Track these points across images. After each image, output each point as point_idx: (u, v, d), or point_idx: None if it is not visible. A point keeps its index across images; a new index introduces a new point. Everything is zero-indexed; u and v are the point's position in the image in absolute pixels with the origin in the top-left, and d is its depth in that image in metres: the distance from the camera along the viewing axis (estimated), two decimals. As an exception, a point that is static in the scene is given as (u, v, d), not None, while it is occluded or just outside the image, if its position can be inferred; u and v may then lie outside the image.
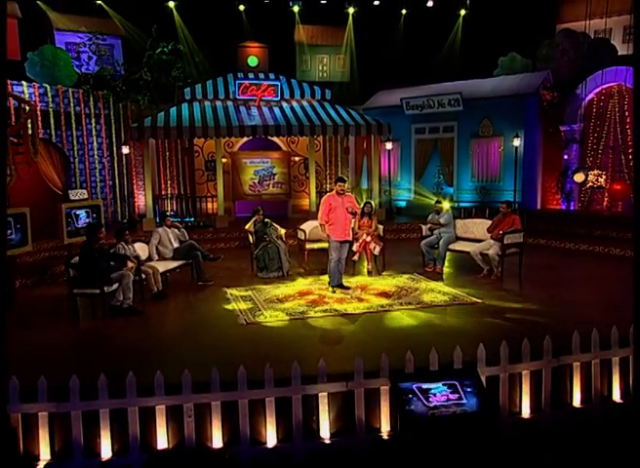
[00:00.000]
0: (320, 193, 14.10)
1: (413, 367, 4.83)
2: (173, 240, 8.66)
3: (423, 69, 16.35)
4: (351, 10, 17.25)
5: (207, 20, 15.63)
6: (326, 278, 8.41)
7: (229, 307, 7.28)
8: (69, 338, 6.21)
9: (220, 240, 12.58)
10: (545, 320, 6.39)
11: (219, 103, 14.33)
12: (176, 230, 8.86)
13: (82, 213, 8.50)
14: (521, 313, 6.75)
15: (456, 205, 15.25)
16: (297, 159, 15.81)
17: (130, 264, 6.97)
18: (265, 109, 14.33)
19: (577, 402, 5.13)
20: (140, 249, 8.17)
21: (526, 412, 5.01)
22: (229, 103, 14.39)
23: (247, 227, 9.48)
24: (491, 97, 14.99)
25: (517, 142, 14.53)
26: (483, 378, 4.85)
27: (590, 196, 15.19)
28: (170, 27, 15.87)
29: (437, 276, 8.96)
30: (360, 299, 7.51)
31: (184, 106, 13.92)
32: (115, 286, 6.79)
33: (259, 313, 6.91)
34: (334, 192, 8.10)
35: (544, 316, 6.54)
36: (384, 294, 7.73)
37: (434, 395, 4.59)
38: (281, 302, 7.43)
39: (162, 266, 8.02)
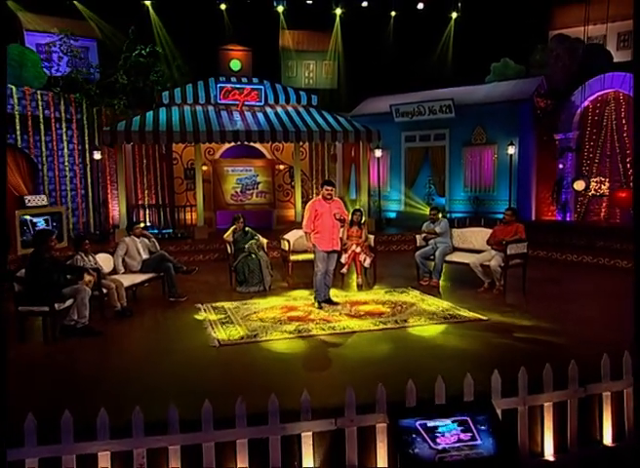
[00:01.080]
0: (306, 204, 13.32)
1: (415, 399, 4.01)
2: (142, 251, 7.81)
3: (414, 76, 15.74)
4: (338, 11, 16.63)
5: (187, 22, 14.91)
6: (311, 293, 7.60)
7: (201, 325, 6.42)
8: (9, 365, 5.29)
9: (198, 252, 11.72)
10: (562, 340, 5.62)
11: (199, 108, 13.56)
12: (145, 240, 8.00)
13: (40, 221, 7.64)
14: (533, 332, 5.97)
15: (448, 216, 14.54)
16: (281, 167, 15.05)
17: (87, 278, 6.09)
18: (248, 114, 13.58)
19: (607, 439, 4.34)
20: (105, 260, 7.31)
21: (549, 453, 4.20)
22: (210, 108, 13.62)
23: (225, 237, 8.65)
24: (484, 104, 14.40)
25: (512, 150, 13.92)
26: (498, 412, 4.05)
27: (587, 207, 14.62)
28: (148, 29, 15.13)
29: (434, 290, 8.18)
30: (350, 316, 6.70)
31: (162, 111, 13.12)
32: (69, 302, 5.91)
33: (234, 332, 6.06)
34: (320, 197, 7.33)
35: (560, 335, 5.78)
36: (377, 311, 6.92)
37: (442, 435, 3.78)
38: (261, 320, 6.59)
39: (128, 280, 7.15)
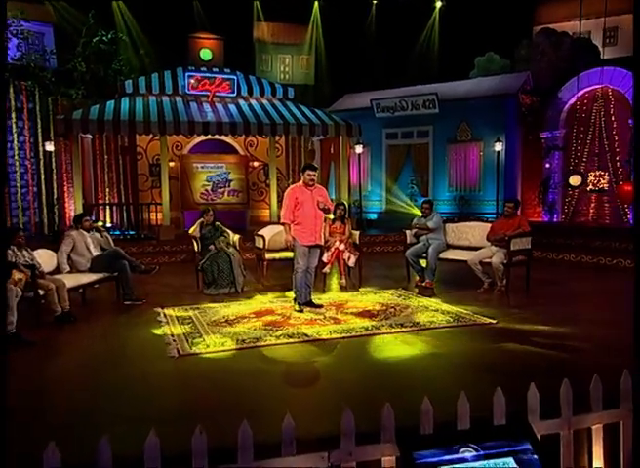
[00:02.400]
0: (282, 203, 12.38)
1: (432, 424, 3.04)
2: (92, 247, 6.70)
3: (396, 71, 14.98)
4: (316, 2, 15.77)
5: (154, 8, 13.85)
6: (290, 295, 6.61)
7: (159, 333, 5.36)
8: None
9: (162, 253, 10.61)
10: (588, 346, 4.75)
11: (165, 99, 12.49)
12: (97, 234, 6.91)
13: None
14: (550, 337, 5.09)
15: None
16: (255, 164, 14.03)
17: (17, 275, 4.98)
18: (220, 106, 12.57)
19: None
20: (46, 257, 6.18)
21: (600, 489, 3.28)
22: (178, 99, 12.56)
23: (191, 232, 7.61)
24: (469, 99, 13.69)
25: (499, 147, 13.23)
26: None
27: (575, 207, 14.03)
28: (111, 14, 14.03)
29: (428, 291, 7.27)
30: (336, 320, 5.72)
31: (124, 100, 12.01)
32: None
33: (198, 340, 5.02)
34: (301, 183, 6.36)
35: (584, 341, 4.91)
36: (367, 314, 5.96)
37: (473, 473, 2.82)
38: (230, 325, 5.57)
39: (72, 280, 6.04)
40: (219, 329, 5.43)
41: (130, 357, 4.66)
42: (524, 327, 5.41)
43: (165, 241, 11.25)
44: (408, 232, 8.12)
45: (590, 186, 11.84)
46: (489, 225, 7.60)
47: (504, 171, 13.62)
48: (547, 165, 14.82)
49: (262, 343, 4.91)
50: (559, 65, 14.47)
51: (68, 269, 6.36)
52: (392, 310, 6.11)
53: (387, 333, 5.21)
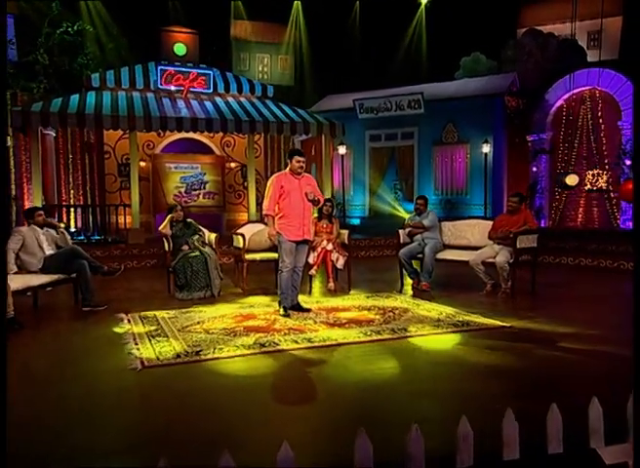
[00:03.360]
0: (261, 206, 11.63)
1: (472, 453, 2.32)
2: (45, 245, 5.84)
3: (380, 72, 14.43)
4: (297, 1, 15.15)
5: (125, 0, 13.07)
6: (274, 299, 5.85)
7: (121, 341, 4.52)
8: None
9: (131, 257, 9.72)
10: (623, 351, 4.09)
11: (136, 94, 11.67)
12: (52, 231, 6.04)
13: None
14: (577, 341, 4.43)
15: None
16: (233, 165, 13.26)
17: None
18: (195, 102, 11.80)
19: None
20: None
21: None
22: (149, 95, 11.75)
23: (161, 228, 6.78)
24: (455, 99, 13.20)
25: (486, 149, 12.74)
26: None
27: (563, 212, 13.63)
28: (77, 5, 13.17)
29: (425, 294, 6.58)
30: (329, 325, 4.97)
31: (90, 94, 11.15)
32: None
33: (167, 349, 4.21)
34: (287, 171, 5.63)
35: (615, 344, 4.26)
36: (364, 319, 5.23)
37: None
38: (206, 331, 4.77)
39: (19, 282, 5.16)
40: (192, 335, 4.62)
41: (82, 371, 3.82)
42: (545, 330, 4.75)
43: (134, 245, 10.36)
44: (401, 231, 7.44)
45: (588, 186, 11.38)
46: (490, 223, 6.97)
47: (492, 174, 13.13)
48: (534, 168, 14.41)
49: (245, 352, 4.13)
50: (545, 66, 14.15)
51: (15, 269, 5.48)
52: (391, 314, 5.39)
53: (390, 339, 4.48)
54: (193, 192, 12.41)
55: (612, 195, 12.79)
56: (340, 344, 4.34)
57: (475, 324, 4.95)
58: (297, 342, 4.38)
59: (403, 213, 13.44)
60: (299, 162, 5.52)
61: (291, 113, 12.06)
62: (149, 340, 4.49)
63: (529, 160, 14.27)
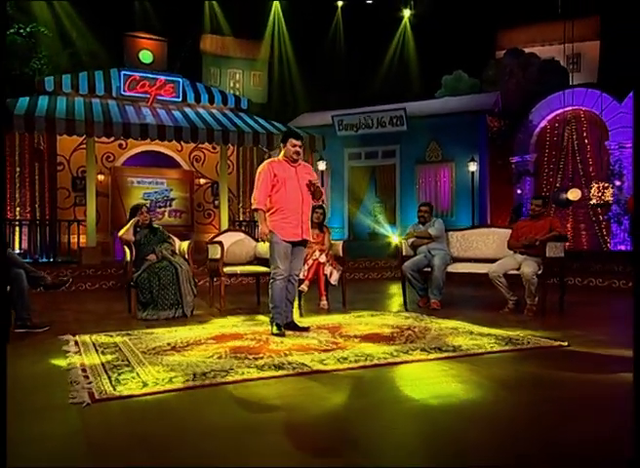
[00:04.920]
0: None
1: None
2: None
3: (361, 90, 13.75)
4: (273, 16, 14.39)
5: (87, 3, 12.06)
6: (261, 318, 4.76)
7: (64, 367, 3.31)
8: None
9: (84, 278, 8.41)
10: None
11: (95, 100, 10.54)
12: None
13: None
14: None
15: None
16: (202, 182, 12.14)
17: None
18: (162, 112, 10.74)
19: None
20: None
21: None
22: (111, 102, 10.64)
23: (122, 234, 5.60)
24: (439, 115, 12.59)
25: (473, 167, 12.09)
26: None
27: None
28: (33, 5, 12.08)
29: (436, 313, 5.55)
30: (340, 346, 3.88)
31: (43, 98, 9.98)
32: None
33: (127, 375, 3.04)
34: (281, 157, 4.62)
35: None
36: (380, 338, 4.15)
37: None
38: (179, 352, 3.61)
39: None
40: (161, 358, 3.46)
41: (8, 405, 2.60)
42: (608, 352, 3.77)
43: (89, 265, 9.04)
44: (404, 242, 6.47)
45: (594, 200, 10.73)
46: (506, 231, 6.08)
47: (480, 193, 12.47)
48: (519, 191, 13.87)
49: (236, 377, 2.99)
50: (527, 87, 13.79)
51: None
52: (410, 333, 4.34)
53: (424, 360, 3.43)
54: (158, 210, 11.22)
55: (601, 218, 12.29)
56: (360, 367, 3.25)
57: (519, 343, 3.94)
58: (305, 365, 3.27)
59: (388, 234, 12.57)
60: (294, 146, 4.53)
61: (267, 125, 11.14)
62: (102, 364, 3.30)
63: (512, 182, 13.75)
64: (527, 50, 14.65)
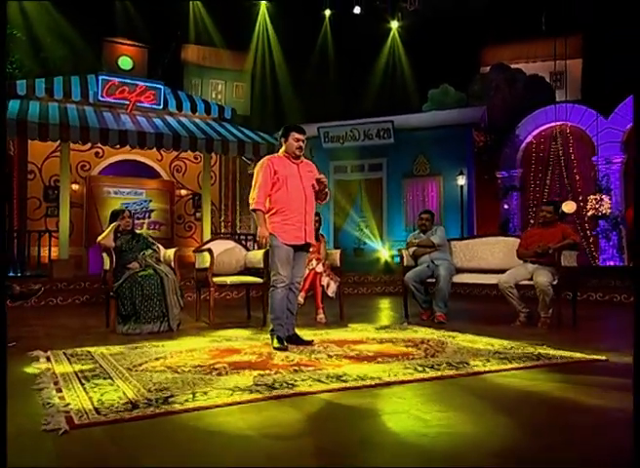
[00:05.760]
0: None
1: None
2: None
3: (347, 103, 13.49)
4: (259, 26, 14.05)
5: (66, 7, 11.58)
6: (255, 334, 4.28)
7: (35, 391, 2.78)
8: None
9: (55, 293, 7.79)
10: None
11: (71, 106, 10.01)
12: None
13: None
14: None
15: (392, 258, 11.94)
16: (183, 193, 11.63)
17: None
18: (142, 119, 10.26)
19: None
20: None
21: None
22: (88, 108, 10.11)
23: (101, 239, 5.08)
24: (426, 129, 12.37)
25: (462, 181, 11.87)
26: None
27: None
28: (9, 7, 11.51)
29: (446, 327, 5.14)
30: (353, 359, 3.42)
31: (14, 102, 9.40)
32: None
33: (112, 395, 2.53)
34: (281, 153, 4.21)
35: None
36: (397, 352, 3.71)
37: None
38: (173, 370, 3.11)
39: None
40: (151, 375, 2.96)
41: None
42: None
43: (60, 279, 8.41)
44: (405, 252, 6.08)
45: (591, 212, 10.53)
46: (514, 240, 5.75)
47: (468, 207, 12.24)
48: (506, 206, 13.72)
49: (247, 397, 2.52)
50: (513, 102, 13.74)
51: None
52: (427, 347, 3.91)
53: (458, 376, 2.99)
54: (136, 222, 10.61)
55: (589, 234, 12.16)
56: (383, 384, 2.81)
57: (558, 357, 3.55)
58: (322, 381, 2.81)
59: (377, 249, 12.22)
60: (298, 141, 4.12)
61: (252, 135, 10.74)
62: (81, 382, 2.78)
63: (499, 197, 13.60)
64: (512, 66, 14.65)
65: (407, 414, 2.33)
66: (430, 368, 3.16)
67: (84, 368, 3.21)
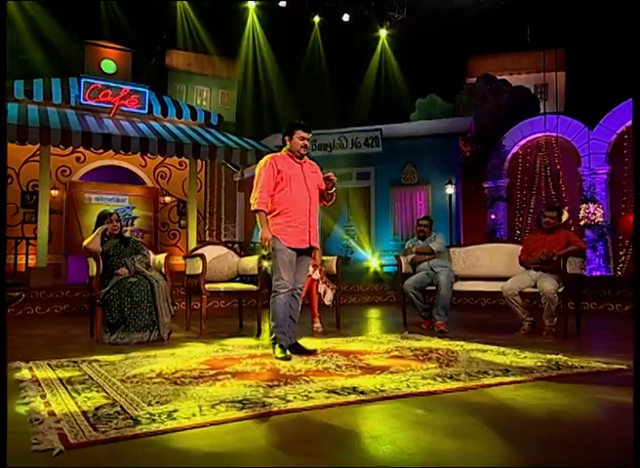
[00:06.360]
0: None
1: None
2: None
3: (335, 112, 13.36)
4: (248, 33, 13.83)
5: (47, 9, 11.26)
6: (252, 341, 4.04)
7: (21, 406, 2.49)
8: None
9: (33, 302, 7.40)
10: None
11: (52, 109, 9.66)
12: None
13: None
14: None
15: (381, 267, 11.79)
16: (168, 200, 11.29)
17: None
18: (126, 123, 9.95)
19: None
20: None
21: None
22: (69, 111, 9.78)
23: (87, 243, 4.80)
24: (415, 137, 12.29)
25: (451, 190, 11.80)
26: None
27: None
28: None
29: (448, 336, 4.94)
30: (365, 371, 3.20)
31: (-7, 103, 9.02)
32: None
33: (107, 409, 2.27)
34: (284, 152, 4.00)
35: None
36: (407, 361, 3.51)
37: None
38: (170, 380, 2.85)
39: None
40: (148, 388, 2.69)
41: None
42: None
43: (38, 288, 8.02)
44: (403, 259, 5.91)
45: (584, 221, 10.49)
46: (516, 247, 5.61)
47: (457, 217, 12.16)
48: (492, 216, 13.70)
49: (247, 411, 2.27)
50: (499, 113, 13.80)
51: None
52: (438, 356, 3.71)
53: (486, 386, 2.80)
54: (118, 229, 10.27)
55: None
56: (416, 394, 2.59)
57: (578, 365, 3.38)
58: (337, 393, 2.58)
59: (367, 259, 12.05)
60: (303, 139, 3.92)
61: (240, 141, 10.49)
62: (72, 397, 2.51)
63: (485, 207, 13.58)
64: (497, 77, 14.74)
65: (449, 430, 2.12)
66: (449, 378, 2.95)
67: (74, 380, 2.92)
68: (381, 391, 2.64)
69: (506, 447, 1.94)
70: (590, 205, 10.54)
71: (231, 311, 7.98)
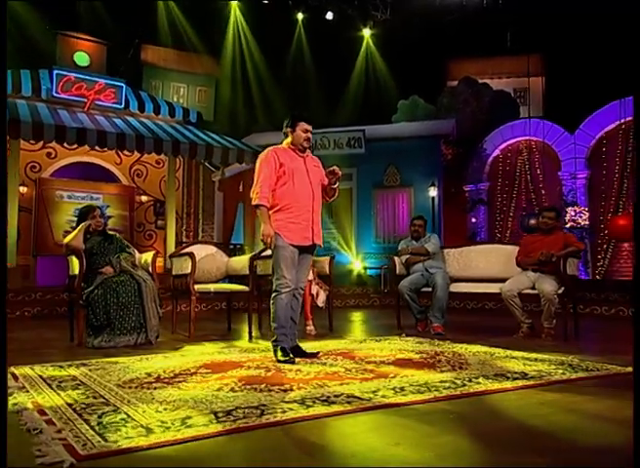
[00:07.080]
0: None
1: None
2: None
3: (317, 113, 13.18)
4: (232, 31, 13.53)
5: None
6: (247, 346, 3.82)
7: (10, 408, 2.22)
8: None
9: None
10: None
11: (21, 102, 9.23)
12: None
13: None
14: None
15: (365, 270, 11.66)
16: (144, 199, 10.91)
17: None
18: (101, 118, 9.57)
19: None
20: None
21: None
22: (40, 104, 9.35)
23: (68, 240, 4.47)
24: (397, 139, 12.21)
25: (434, 192, 11.75)
26: None
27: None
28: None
29: (447, 338, 4.80)
30: (374, 374, 3.01)
31: (-39, 93, 8.55)
32: None
33: (112, 415, 2.03)
34: (285, 145, 3.80)
35: None
36: (414, 364, 3.34)
37: None
38: (171, 384, 2.61)
39: None
40: (150, 393, 2.45)
41: None
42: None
43: (7, 289, 7.58)
44: (397, 259, 5.76)
45: (570, 223, 10.51)
46: (512, 248, 5.52)
47: (438, 220, 12.12)
48: (473, 219, 13.72)
49: (280, 416, 2.06)
50: (480, 117, 13.84)
51: None
52: (446, 359, 3.55)
53: (508, 390, 2.64)
54: (91, 228, 9.86)
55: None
56: (429, 400, 2.42)
57: (590, 368, 3.26)
58: (358, 397, 2.39)
59: (350, 261, 11.90)
60: (306, 131, 3.73)
61: (220, 140, 10.22)
62: (70, 403, 2.25)
63: (466, 210, 13.59)
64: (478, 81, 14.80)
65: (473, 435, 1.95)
66: (469, 381, 2.79)
67: (65, 386, 2.65)
68: (402, 395, 2.45)
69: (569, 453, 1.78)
70: (575, 208, 10.60)
71: (213, 314, 7.72)
